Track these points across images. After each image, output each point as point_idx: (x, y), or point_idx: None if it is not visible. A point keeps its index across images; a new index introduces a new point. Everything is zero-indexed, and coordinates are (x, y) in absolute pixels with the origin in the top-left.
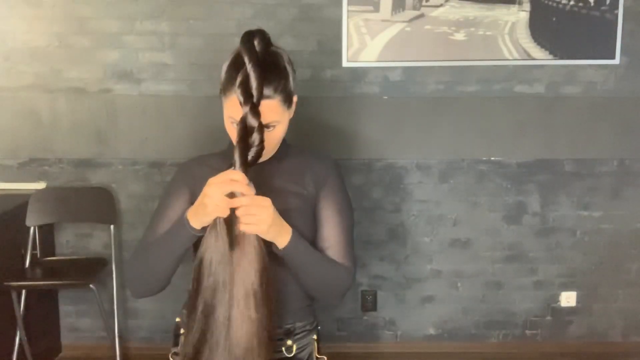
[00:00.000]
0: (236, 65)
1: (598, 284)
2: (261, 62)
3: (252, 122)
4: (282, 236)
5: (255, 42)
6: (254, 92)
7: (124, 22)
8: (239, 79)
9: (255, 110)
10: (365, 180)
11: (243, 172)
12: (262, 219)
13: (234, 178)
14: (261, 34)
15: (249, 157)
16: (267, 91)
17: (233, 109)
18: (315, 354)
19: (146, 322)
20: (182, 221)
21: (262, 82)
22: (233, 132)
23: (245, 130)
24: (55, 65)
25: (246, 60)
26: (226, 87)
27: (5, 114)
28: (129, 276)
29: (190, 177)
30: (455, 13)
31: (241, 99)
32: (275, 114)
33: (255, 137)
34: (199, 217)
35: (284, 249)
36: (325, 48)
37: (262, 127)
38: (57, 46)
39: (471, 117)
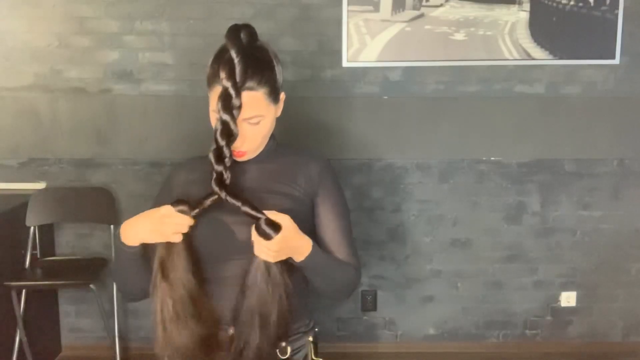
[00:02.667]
0: (220, 58)
1: (598, 284)
2: (246, 52)
3: (232, 92)
4: (299, 254)
5: (242, 35)
6: (238, 76)
7: (124, 22)
8: (222, 67)
9: (236, 89)
10: (365, 180)
11: (224, 164)
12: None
13: (163, 213)
14: (247, 28)
15: (223, 140)
16: (251, 83)
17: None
18: (312, 356)
19: (146, 322)
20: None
21: (247, 68)
22: None
23: (224, 104)
24: (55, 65)
25: (230, 49)
26: (210, 80)
27: (5, 114)
28: (115, 283)
29: (169, 186)
30: (455, 13)
31: (223, 75)
32: (260, 107)
33: (227, 118)
34: (137, 232)
35: (301, 262)
36: (325, 48)
37: (240, 94)
38: (57, 46)
39: (471, 117)
